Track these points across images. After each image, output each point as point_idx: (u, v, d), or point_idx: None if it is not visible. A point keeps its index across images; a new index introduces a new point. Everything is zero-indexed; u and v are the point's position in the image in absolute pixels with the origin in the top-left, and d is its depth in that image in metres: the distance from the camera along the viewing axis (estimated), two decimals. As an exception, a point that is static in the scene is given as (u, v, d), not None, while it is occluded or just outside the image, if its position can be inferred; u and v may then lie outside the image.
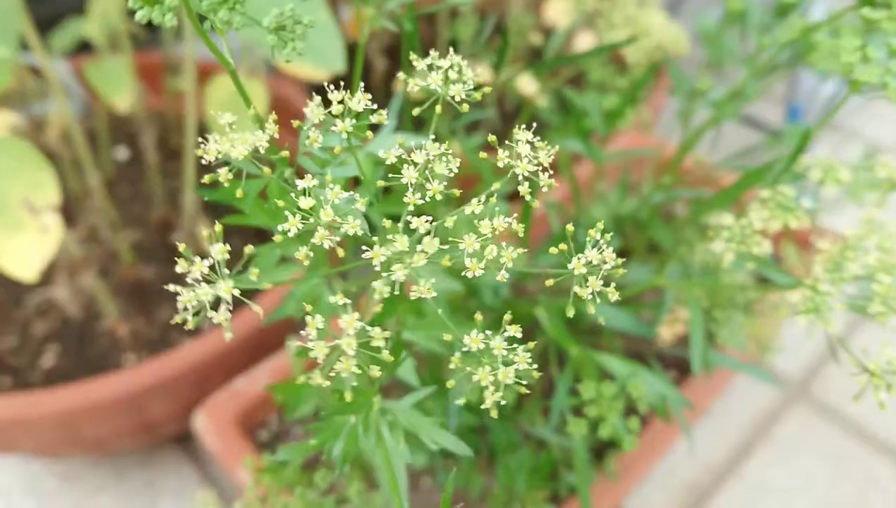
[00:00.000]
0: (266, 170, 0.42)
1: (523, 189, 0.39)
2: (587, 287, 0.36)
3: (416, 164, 0.38)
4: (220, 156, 0.41)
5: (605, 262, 0.37)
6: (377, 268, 0.36)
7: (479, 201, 0.37)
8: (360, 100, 0.39)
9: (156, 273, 1.17)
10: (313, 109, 0.40)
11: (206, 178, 0.40)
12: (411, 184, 0.38)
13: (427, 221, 0.37)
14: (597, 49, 0.56)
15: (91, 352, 1.09)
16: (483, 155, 0.41)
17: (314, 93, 0.41)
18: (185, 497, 1.17)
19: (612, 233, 0.37)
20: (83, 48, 1.22)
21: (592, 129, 0.93)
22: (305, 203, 0.37)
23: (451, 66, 0.41)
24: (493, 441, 0.77)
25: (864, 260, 0.41)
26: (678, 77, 0.69)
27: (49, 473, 1.20)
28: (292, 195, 0.37)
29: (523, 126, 0.40)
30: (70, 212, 1.17)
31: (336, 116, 0.39)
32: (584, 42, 1.45)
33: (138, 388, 0.96)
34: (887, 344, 0.40)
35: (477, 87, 0.41)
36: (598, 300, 0.36)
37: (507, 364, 0.36)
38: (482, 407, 0.37)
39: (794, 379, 1.41)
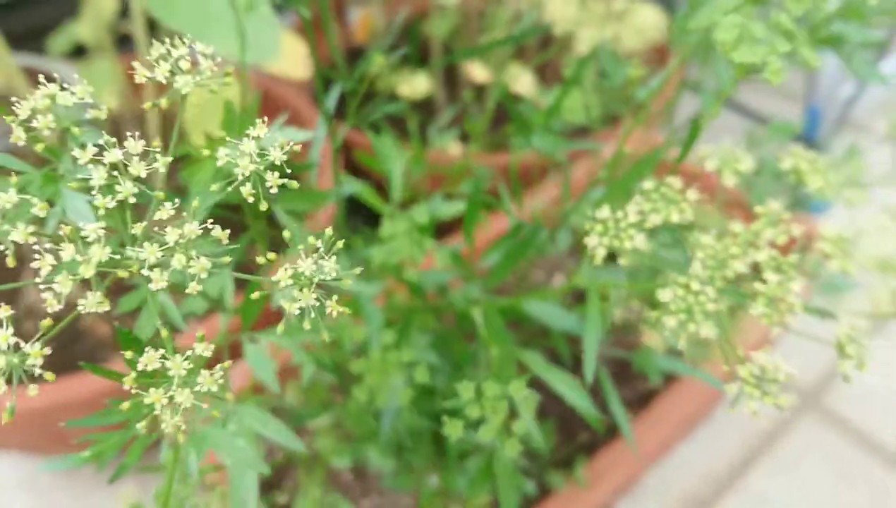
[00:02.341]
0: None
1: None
2: (299, 300, 0.33)
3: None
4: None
5: (323, 271, 0.34)
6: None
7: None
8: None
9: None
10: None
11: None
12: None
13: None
14: (507, 38, 0.54)
15: (77, 351, 1.10)
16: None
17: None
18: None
19: (334, 236, 0.35)
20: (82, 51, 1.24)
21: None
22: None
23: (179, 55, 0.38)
24: (447, 447, 0.76)
25: (754, 257, 0.39)
26: (610, 63, 0.66)
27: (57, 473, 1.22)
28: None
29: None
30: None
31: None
32: (584, 39, 1.42)
33: (119, 386, 0.97)
34: (765, 353, 0.37)
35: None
36: (312, 314, 0.34)
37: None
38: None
39: (806, 388, 1.36)
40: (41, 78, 0.38)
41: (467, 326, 0.68)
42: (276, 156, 0.36)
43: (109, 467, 0.58)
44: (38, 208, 0.34)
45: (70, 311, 0.35)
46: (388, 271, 0.64)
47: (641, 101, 0.72)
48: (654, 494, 1.19)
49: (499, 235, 1.10)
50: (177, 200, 0.36)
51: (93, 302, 0.34)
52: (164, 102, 0.39)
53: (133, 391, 0.34)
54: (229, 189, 0.36)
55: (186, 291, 0.34)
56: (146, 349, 0.34)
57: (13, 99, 0.37)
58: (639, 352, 0.59)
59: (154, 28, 1.19)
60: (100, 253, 0.33)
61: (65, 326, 0.36)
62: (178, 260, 0.34)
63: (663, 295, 0.37)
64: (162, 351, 0.35)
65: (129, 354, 0.34)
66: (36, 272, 0.34)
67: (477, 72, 1.25)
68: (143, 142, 0.36)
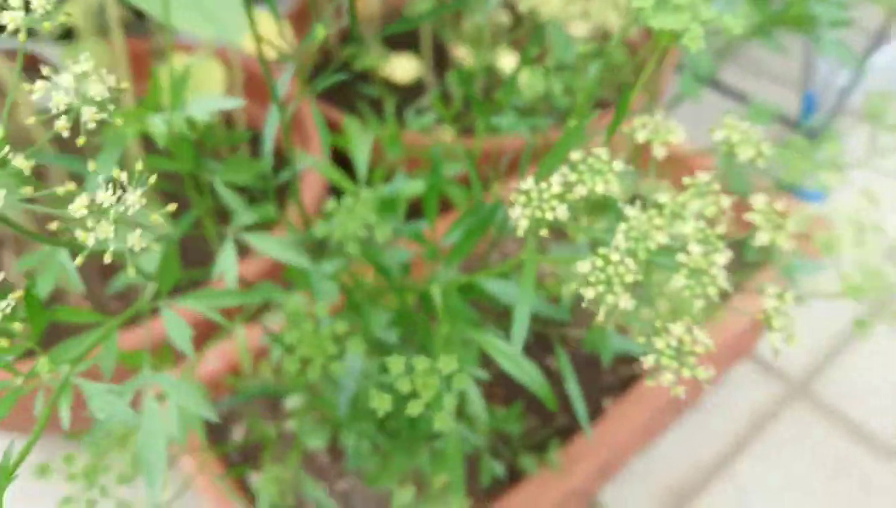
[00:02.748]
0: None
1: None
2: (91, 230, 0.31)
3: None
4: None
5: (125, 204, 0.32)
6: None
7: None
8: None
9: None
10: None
11: None
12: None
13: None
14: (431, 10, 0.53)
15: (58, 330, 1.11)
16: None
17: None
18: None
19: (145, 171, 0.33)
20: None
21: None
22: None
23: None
24: (418, 430, 0.75)
25: (680, 229, 0.38)
26: (560, 40, 0.65)
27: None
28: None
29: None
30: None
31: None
32: (579, 30, 1.40)
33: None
34: (679, 323, 0.36)
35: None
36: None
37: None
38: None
39: (796, 376, 1.34)
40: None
41: (431, 306, 0.67)
42: (97, 91, 0.35)
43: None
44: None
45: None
46: (348, 250, 0.64)
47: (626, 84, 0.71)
48: (640, 480, 1.18)
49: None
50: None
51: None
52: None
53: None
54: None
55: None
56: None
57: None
58: (592, 332, 0.58)
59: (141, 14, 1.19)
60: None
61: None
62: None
63: (581, 266, 0.36)
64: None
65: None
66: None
67: (464, 55, 1.24)
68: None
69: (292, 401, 0.88)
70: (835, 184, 0.78)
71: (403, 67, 1.31)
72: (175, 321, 0.44)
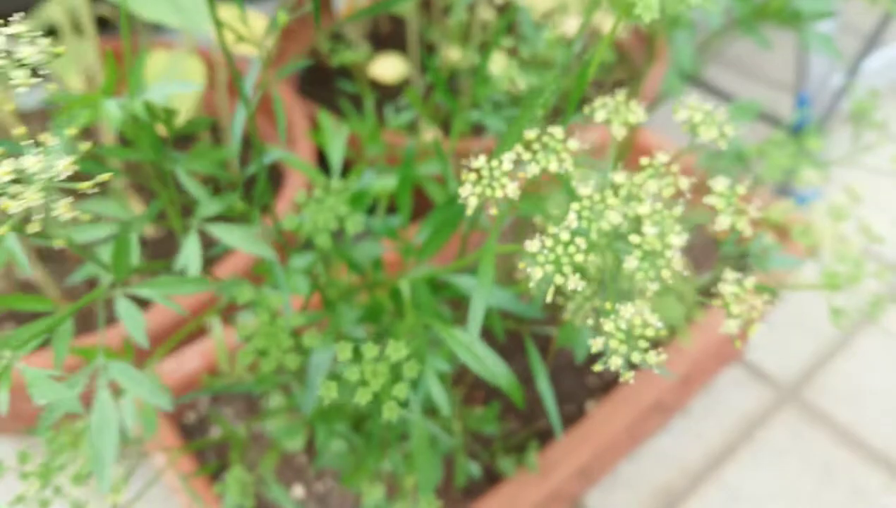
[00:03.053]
0: None
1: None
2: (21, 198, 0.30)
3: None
4: None
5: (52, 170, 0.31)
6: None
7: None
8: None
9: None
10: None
11: None
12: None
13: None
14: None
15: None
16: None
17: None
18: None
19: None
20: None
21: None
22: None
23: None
24: (391, 430, 0.74)
25: (635, 209, 0.37)
26: (528, 26, 0.64)
27: (13, 450, 1.21)
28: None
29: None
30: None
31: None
32: (571, 26, 1.40)
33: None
34: (631, 308, 0.35)
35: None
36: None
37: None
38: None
39: (786, 381, 1.33)
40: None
41: (401, 302, 0.66)
42: (27, 53, 0.34)
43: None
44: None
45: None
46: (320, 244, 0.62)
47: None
48: (627, 484, 1.17)
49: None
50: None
51: None
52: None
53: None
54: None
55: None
56: None
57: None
58: (563, 328, 0.57)
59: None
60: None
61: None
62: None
63: (530, 245, 0.35)
64: None
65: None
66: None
67: (451, 54, 1.23)
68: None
69: (273, 400, 0.87)
70: (816, 180, 0.77)
71: (390, 66, 1.30)
72: (129, 310, 0.43)
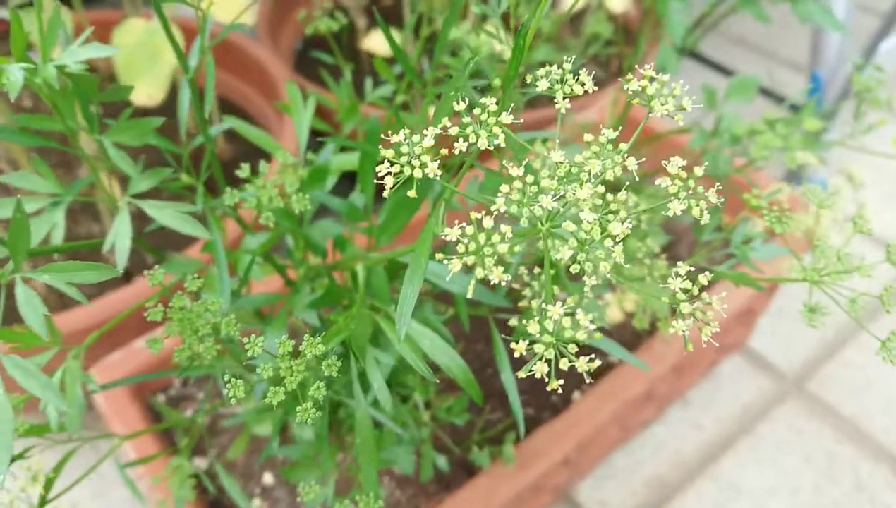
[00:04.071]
0: None
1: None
2: None
3: None
4: None
5: None
6: None
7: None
8: None
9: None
10: None
11: None
12: None
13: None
14: None
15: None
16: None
17: None
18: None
19: None
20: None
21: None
22: None
23: None
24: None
25: (574, 193, 0.32)
26: None
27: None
28: None
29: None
30: None
31: None
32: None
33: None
34: (558, 304, 0.30)
35: None
36: None
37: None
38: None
39: (791, 371, 1.27)
40: None
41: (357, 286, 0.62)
42: None
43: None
44: None
45: None
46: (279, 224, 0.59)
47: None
48: (619, 476, 1.13)
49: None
50: None
51: None
52: None
53: None
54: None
55: None
56: None
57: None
58: (522, 316, 0.53)
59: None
60: None
61: None
62: None
63: (448, 233, 0.31)
64: None
65: None
66: None
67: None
68: None
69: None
70: (812, 161, 0.72)
71: (376, 41, 1.25)
72: (27, 295, 0.40)
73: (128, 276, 1.05)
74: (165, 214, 0.50)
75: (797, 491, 1.12)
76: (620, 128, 0.38)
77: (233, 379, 0.37)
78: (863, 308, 0.52)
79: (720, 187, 0.35)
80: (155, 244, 1.14)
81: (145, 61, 0.96)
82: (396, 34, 1.32)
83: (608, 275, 0.33)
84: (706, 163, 0.36)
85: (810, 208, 0.64)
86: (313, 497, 0.55)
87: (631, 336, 1.06)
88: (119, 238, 0.50)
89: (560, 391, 1.00)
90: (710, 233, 0.59)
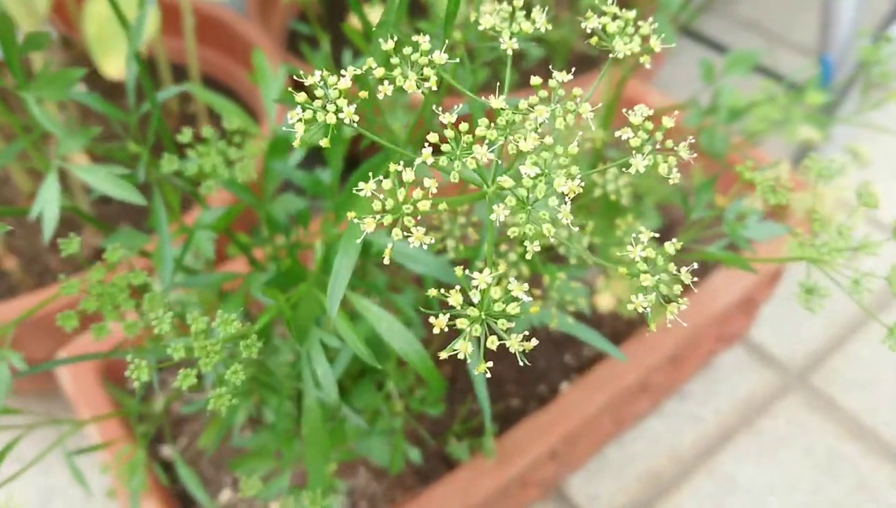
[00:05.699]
0: None
1: None
2: None
3: None
4: None
5: None
6: None
7: None
8: None
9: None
10: None
11: None
12: None
13: None
14: None
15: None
16: None
17: None
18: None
19: None
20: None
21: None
22: None
23: None
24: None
25: (516, 144, 0.28)
26: None
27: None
28: None
29: None
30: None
31: None
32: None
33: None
34: (488, 276, 0.26)
35: None
36: None
37: None
38: None
39: (793, 364, 1.22)
40: None
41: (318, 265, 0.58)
42: None
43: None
44: None
45: None
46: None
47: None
48: (612, 470, 1.08)
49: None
50: None
51: None
52: None
53: None
54: None
55: None
56: None
57: None
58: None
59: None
60: None
61: None
62: None
63: (363, 189, 0.27)
64: None
65: None
66: None
67: (439, 5, 1.13)
68: None
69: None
70: (816, 138, 0.67)
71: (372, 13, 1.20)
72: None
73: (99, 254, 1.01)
74: (99, 177, 0.46)
75: (796, 489, 1.07)
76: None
77: (184, 368, 0.33)
78: (870, 291, 0.47)
79: (694, 153, 0.30)
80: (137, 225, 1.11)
81: (117, 33, 0.91)
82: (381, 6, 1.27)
83: (583, 254, 0.28)
84: (691, 139, 0.31)
85: (812, 186, 0.60)
86: (255, 492, 0.51)
87: (625, 325, 1.02)
88: (48, 204, 0.46)
89: (548, 382, 0.96)
90: (700, 209, 0.54)
